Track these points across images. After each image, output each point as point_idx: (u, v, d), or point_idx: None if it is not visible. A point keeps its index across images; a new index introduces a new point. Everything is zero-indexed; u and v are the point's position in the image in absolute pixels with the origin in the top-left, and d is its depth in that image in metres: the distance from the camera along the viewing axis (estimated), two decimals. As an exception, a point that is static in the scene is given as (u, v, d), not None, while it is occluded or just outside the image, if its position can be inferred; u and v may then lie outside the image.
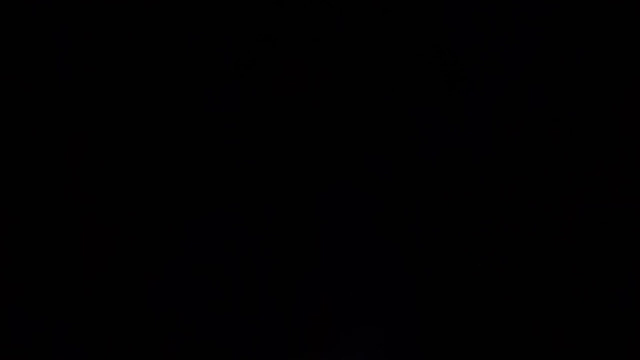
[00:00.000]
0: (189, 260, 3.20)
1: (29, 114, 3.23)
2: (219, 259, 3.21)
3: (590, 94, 3.25)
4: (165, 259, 3.20)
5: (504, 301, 3.18)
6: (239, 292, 3.19)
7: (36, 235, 3.18)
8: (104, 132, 3.25)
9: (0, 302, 3.13)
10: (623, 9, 3.24)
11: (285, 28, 3.29)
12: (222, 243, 3.21)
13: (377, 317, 3.19)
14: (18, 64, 3.23)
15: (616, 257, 3.17)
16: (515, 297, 3.18)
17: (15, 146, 3.21)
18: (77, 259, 3.18)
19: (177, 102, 3.27)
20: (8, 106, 3.22)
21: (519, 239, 3.20)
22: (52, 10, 3.24)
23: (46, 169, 3.21)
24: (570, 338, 3.13)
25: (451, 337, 3.18)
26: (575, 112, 3.25)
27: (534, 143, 3.25)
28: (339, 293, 3.20)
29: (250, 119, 3.28)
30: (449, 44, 3.29)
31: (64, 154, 3.23)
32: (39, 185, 3.20)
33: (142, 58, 3.27)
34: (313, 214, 3.24)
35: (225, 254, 3.21)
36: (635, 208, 3.18)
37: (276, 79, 3.29)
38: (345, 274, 3.21)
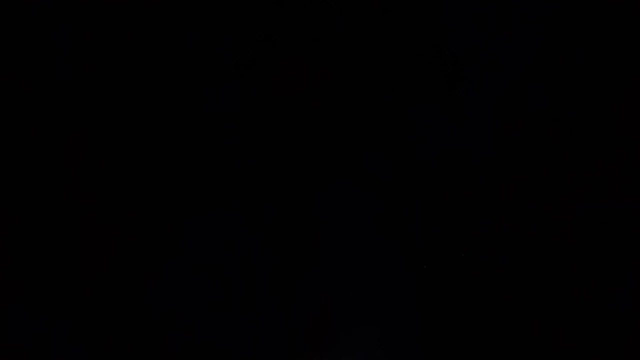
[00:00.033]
0: (189, 260, 3.20)
1: (29, 113, 3.23)
2: (219, 259, 3.21)
3: (590, 94, 3.25)
4: (165, 259, 3.20)
5: (504, 301, 3.18)
6: (239, 292, 3.19)
7: (36, 235, 3.18)
8: (104, 132, 3.25)
9: (0, 302, 3.13)
10: (623, 9, 3.24)
11: (285, 28, 3.29)
12: (222, 243, 3.21)
13: (377, 317, 3.19)
14: (18, 64, 3.23)
15: (616, 257, 3.17)
16: (515, 297, 3.18)
17: (16, 146, 3.21)
18: (77, 259, 3.18)
19: (177, 102, 3.27)
20: (8, 106, 3.22)
21: (519, 239, 3.20)
22: (52, 10, 3.24)
23: (46, 168, 3.21)
24: (570, 338, 3.13)
25: (451, 337, 3.18)
26: (575, 112, 3.25)
27: (534, 143, 3.25)
28: (339, 293, 3.20)
29: (250, 119, 3.28)
30: (449, 44, 3.29)
31: (64, 154, 3.23)
32: (39, 185, 3.20)
33: (142, 58, 3.27)
34: (313, 214, 3.24)
35: (225, 254, 3.21)
36: (635, 208, 3.18)
37: (276, 79, 3.29)
38: (345, 274, 3.21)
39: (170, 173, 3.25)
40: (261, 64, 3.28)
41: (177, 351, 3.15)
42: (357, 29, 3.29)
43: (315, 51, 3.29)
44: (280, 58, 3.29)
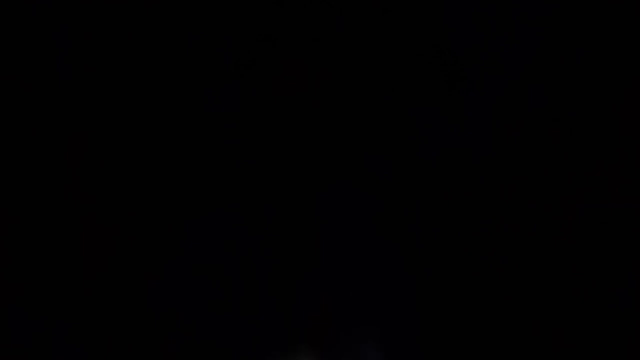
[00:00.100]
0: (189, 260, 3.20)
1: (29, 113, 3.23)
2: (219, 259, 3.21)
3: (590, 94, 3.25)
4: (165, 259, 3.20)
5: (504, 301, 3.18)
6: (239, 292, 3.19)
7: (36, 235, 3.18)
8: (104, 132, 3.25)
9: (0, 302, 3.13)
10: (623, 9, 3.24)
11: (285, 28, 3.29)
12: (222, 243, 3.21)
13: (377, 317, 3.19)
14: (18, 64, 3.23)
15: (616, 257, 3.17)
16: (515, 297, 3.18)
17: (16, 146, 3.21)
18: (77, 259, 3.18)
19: (177, 102, 3.27)
20: (8, 106, 3.22)
21: (519, 239, 3.20)
22: (52, 10, 3.24)
23: (46, 169, 3.21)
24: (570, 338, 3.13)
25: (451, 337, 3.18)
26: (575, 112, 3.25)
27: (534, 143, 3.25)
28: (339, 293, 3.20)
29: (250, 119, 3.28)
30: (449, 44, 3.29)
31: (64, 154, 3.23)
32: (39, 185, 3.20)
33: (142, 58, 3.27)
34: (313, 214, 3.24)
35: (225, 254, 3.21)
36: (635, 208, 3.18)
37: (276, 79, 3.29)
38: (345, 274, 3.21)
39: (170, 173, 3.25)
40: (261, 64, 3.28)
41: (177, 351, 3.15)
42: (357, 29, 3.29)
43: (315, 51, 3.29)
44: (280, 58, 3.29)
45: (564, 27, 3.27)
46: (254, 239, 3.22)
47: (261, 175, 3.26)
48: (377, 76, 3.29)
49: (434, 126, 3.27)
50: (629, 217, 3.17)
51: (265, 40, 3.28)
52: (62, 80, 3.24)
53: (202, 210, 3.23)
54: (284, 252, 3.22)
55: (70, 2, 3.24)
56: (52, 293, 3.15)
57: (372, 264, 3.22)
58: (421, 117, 3.28)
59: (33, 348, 3.11)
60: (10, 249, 3.16)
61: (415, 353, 3.18)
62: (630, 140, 3.21)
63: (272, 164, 3.26)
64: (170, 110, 3.27)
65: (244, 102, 3.28)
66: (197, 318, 3.16)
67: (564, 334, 3.14)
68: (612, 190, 3.20)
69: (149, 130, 3.26)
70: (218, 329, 3.16)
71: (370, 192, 3.26)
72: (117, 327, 3.14)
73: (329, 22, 3.29)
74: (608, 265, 3.17)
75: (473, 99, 3.27)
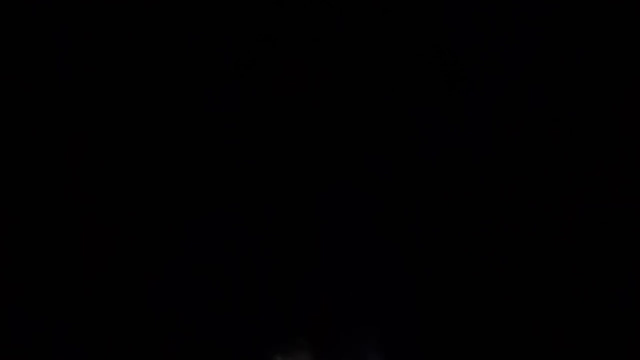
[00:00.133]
0: (189, 260, 3.20)
1: (29, 113, 3.23)
2: (219, 259, 3.21)
3: (590, 94, 3.25)
4: (165, 259, 3.20)
5: (504, 301, 3.18)
6: (239, 292, 3.19)
7: (36, 235, 3.18)
8: (104, 132, 3.25)
9: (0, 302, 3.13)
10: (623, 9, 3.24)
11: (285, 28, 3.29)
12: (222, 243, 3.21)
13: (377, 317, 3.19)
14: (18, 64, 3.23)
15: (616, 257, 3.17)
16: (515, 297, 3.18)
17: (16, 146, 3.21)
18: (77, 259, 3.18)
19: (177, 102, 3.27)
20: (8, 106, 3.22)
21: (519, 239, 3.20)
22: (52, 10, 3.24)
23: (46, 168, 3.21)
24: (570, 338, 3.13)
25: (451, 337, 3.18)
26: (575, 112, 3.25)
27: (534, 143, 3.25)
28: (339, 293, 3.20)
29: (250, 119, 3.28)
30: (449, 44, 3.29)
31: (64, 154, 3.23)
32: (39, 185, 3.20)
33: (142, 58, 3.27)
34: (313, 214, 3.24)
35: (225, 254, 3.21)
36: (635, 208, 3.18)
37: (276, 79, 3.29)
38: (345, 274, 3.21)
39: (170, 173, 3.25)
40: (261, 64, 3.28)
41: (177, 351, 3.15)
42: (357, 29, 3.29)
43: (315, 51, 3.29)
44: (280, 58, 3.29)
45: (564, 27, 3.27)
46: (254, 239, 3.22)
47: (261, 175, 3.26)
48: (377, 76, 3.29)
49: (434, 126, 3.27)
50: (629, 217, 3.17)
51: (265, 40, 3.28)
52: (62, 80, 3.24)
53: (202, 210, 3.23)
54: (284, 252, 3.22)
55: (70, 2, 3.24)
56: (52, 293, 3.15)
57: (372, 264, 3.22)
58: (421, 117, 3.28)
59: (33, 348, 3.11)
60: (11, 249, 3.16)
61: (415, 353, 3.18)
62: (630, 140, 3.21)
63: (272, 164, 3.26)
64: (170, 110, 3.27)
65: (244, 102, 3.28)
66: (197, 318, 3.16)
67: (564, 334, 3.14)
68: (612, 190, 3.20)
69: (149, 130, 3.26)
70: (218, 329, 3.16)
71: (370, 192, 3.26)
72: (117, 327, 3.14)
73: (329, 22, 3.29)
74: (608, 265, 3.17)
75: (473, 99, 3.27)
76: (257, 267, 3.21)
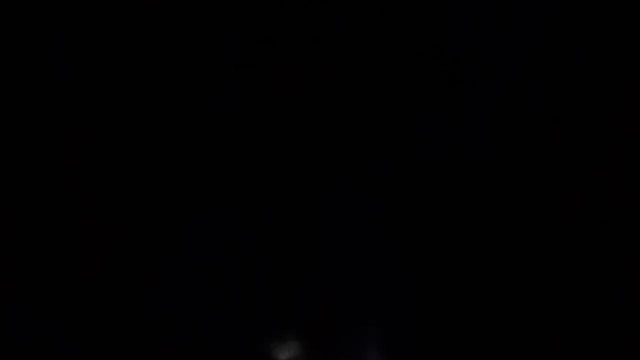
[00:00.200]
0: (189, 260, 3.20)
1: (29, 113, 3.23)
2: (219, 259, 3.21)
3: (590, 94, 3.25)
4: (165, 259, 3.20)
5: (504, 301, 3.18)
6: (239, 292, 3.19)
7: (36, 235, 3.18)
8: (104, 132, 3.25)
9: (0, 302, 3.13)
10: (623, 9, 3.24)
11: (285, 28, 3.29)
12: (222, 243, 3.21)
13: (377, 317, 3.19)
14: (18, 64, 3.23)
15: (616, 257, 3.17)
16: (516, 297, 3.18)
17: (16, 146, 3.21)
18: (77, 258, 3.18)
19: (177, 102, 3.27)
20: (8, 106, 3.22)
21: (519, 239, 3.20)
22: (52, 10, 3.24)
23: (46, 169, 3.21)
24: (570, 338, 3.13)
25: (451, 337, 3.18)
26: (575, 112, 3.25)
27: (534, 143, 3.25)
28: (339, 293, 3.20)
29: (250, 119, 3.28)
30: (449, 44, 3.29)
31: (64, 154, 3.23)
32: (39, 185, 3.20)
33: (142, 58, 3.27)
34: (313, 214, 3.24)
35: (225, 254, 3.21)
36: (635, 208, 3.18)
37: (276, 79, 3.29)
38: (345, 274, 3.21)
39: (170, 173, 3.25)
40: (261, 64, 3.28)
41: (177, 351, 3.15)
42: (357, 29, 3.29)
43: (315, 51, 3.29)
44: (280, 58, 3.29)
45: (564, 27, 3.27)
46: (254, 239, 3.22)
47: (261, 175, 3.26)
48: (377, 76, 3.29)
49: (434, 126, 3.27)
50: (629, 217, 3.17)
51: (265, 40, 3.28)
52: (62, 80, 3.24)
53: (202, 210, 3.23)
54: (284, 252, 3.22)
55: (70, 2, 3.24)
56: (52, 293, 3.15)
57: (372, 264, 3.22)
58: (421, 117, 3.28)
59: (33, 348, 3.11)
60: (11, 249, 3.16)
61: (415, 353, 3.18)
62: (630, 140, 3.21)
63: (272, 164, 3.26)
64: (170, 110, 3.27)
65: (244, 102, 3.28)
66: (197, 318, 3.16)
67: (564, 334, 3.14)
68: (612, 190, 3.20)
69: (149, 130, 3.26)
70: (218, 329, 3.16)
71: (370, 192, 3.26)
72: (117, 327, 3.14)
73: (329, 22, 3.29)
74: (608, 265, 3.17)
75: (473, 99, 3.27)
76: (257, 267, 3.21)
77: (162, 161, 3.25)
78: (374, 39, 3.30)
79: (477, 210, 3.24)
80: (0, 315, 3.12)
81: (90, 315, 3.14)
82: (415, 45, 3.29)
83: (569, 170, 3.23)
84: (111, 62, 3.26)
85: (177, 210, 3.23)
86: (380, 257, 3.23)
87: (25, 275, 3.16)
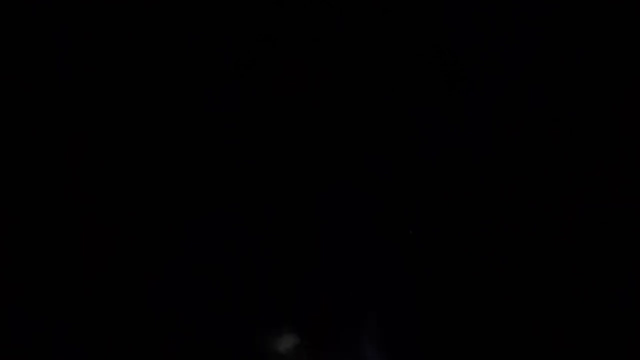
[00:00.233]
0: (189, 260, 3.20)
1: (29, 113, 3.23)
2: (219, 259, 3.21)
3: (590, 94, 3.25)
4: (165, 259, 3.20)
5: (504, 301, 3.18)
6: (239, 292, 3.19)
7: (36, 235, 3.18)
8: (104, 132, 3.25)
9: (0, 302, 3.13)
10: (623, 9, 3.24)
11: (285, 28, 3.29)
12: (222, 243, 3.21)
13: (377, 317, 3.19)
14: (18, 64, 3.23)
15: (616, 257, 3.17)
16: (515, 296, 3.18)
17: (16, 146, 3.21)
18: (77, 259, 3.18)
19: (177, 102, 3.27)
20: (8, 106, 3.22)
21: (519, 239, 3.20)
22: (52, 10, 3.24)
23: (46, 168, 3.21)
24: (570, 338, 3.13)
25: (451, 337, 3.18)
26: (575, 112, 3.25)
27: (534, 143, 3.25)
28: (339, 293, 3.20)
29: (250, 119, 3.28)
30: (449, 44, 3.29)
31: (64, 154, 3.23)
32: (39, 185, 3.20)
33: (142, 58, 3.27)
34: (313, 214, 3.24)
35: (225, 254, 3.21)
36: (636, 208, 3.18)
37: (276, 79, 3.29)
38: (345, 274, 3.21)
39: (170, 173, 3.25)
40: (261, 64, 3.28)
41: (177, 351, 3.15)
42: (357, 29, 3.29)
43: (315, 51, 3.29)
44: (280, 58, 3.29)
45: (564, 27, 3.27)
46: (254, 239, 3.22)
47: (261, 175, 3.26)
48: (377, 76, 3.29)
49: (434, 126, 3.27)
50: (629, 217, 3.17)
51: (265, 40, 3.28)
52: (62, 80, 3.24)
53: (202, 210, 3.23)
54: (284, 252, 3.22)
55: (70, 2, 3.24)
56: (52, 293, 3.15)
57: (372, 264, 3.22)
58: (421, 117, 3.28)
59: (33, 348, 3.11)
60: (11, 249, 3.16)
61: (415, 353, 3.18)
62: (630, 140, 3.21)
63: (272, 163, 3.26)
64: (170, 110, 3.27)
65: (244, 102, 3.28)
66: (197, 318, 3.16)
67: (564, 334, 3.14)
68: (612, 190, 3.20)
69: (149, 130, 3.26)
70: (218, 329, 3.16)
71: (370, 192, 3.26)
72: (117, 327, 3.14)
73: (329, 22, 3.29)
74: (608, 265, 3.17)
75: (473, 99, 3.27)
76: (257, 267, 3.21)
77: (162, 161, 3.25)
78: (374, 39, 3.30)
79: (477, 210, 3.23)
80: (0, 315, 3.12)
81: (90, 315, 3.14)
82: (415, 45, 3.29)
83: (568, 170, 3.23)
84: (111, 62, 3.26)
85: (177, 210, 3.23)
86: (380, 257, 3.23)
87: (25, 275, 3.16)
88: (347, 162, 3.27)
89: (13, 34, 3.24)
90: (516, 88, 3.27)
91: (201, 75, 3.28)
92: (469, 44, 3.28)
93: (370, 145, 3.28)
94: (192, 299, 3.17)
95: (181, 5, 3.28)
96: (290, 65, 3.29)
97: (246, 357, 3.16)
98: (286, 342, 3.16)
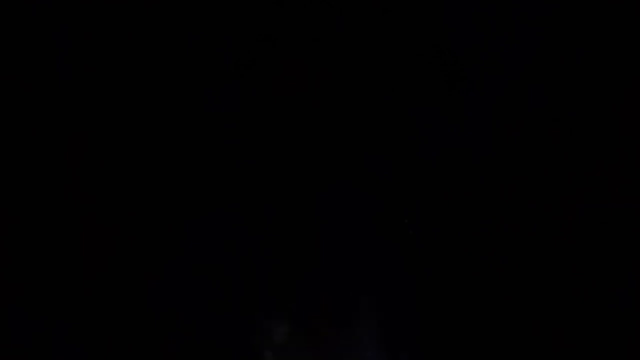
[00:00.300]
0: (189, 260, 3.20)
1: (29, 113, 3.23)
2: (219, 259, 3.21)
3: (590, 94, 3.25)
4: (165, 259, 3.20)
5: (504, 301, 3.18)
6: (239, 292, 3.19)
7: (36, 235, 3.18)
8: (104, 132, 3.25)
9: (0, 302, 3.13)
10: (623, 9, 3.24)
11: (285, 28, 3.29)
12: (222, 243, 3.21)
13: (377, 317, 3.19)
14: (18, 64, 3.23)
15: (616, 257, 3.17)
16: (515, 296, 3.18)
17: (16, 146, 3.21)
18: (77, 259, 3.18)
19: (177, 102, 3.27)
20: (8, 106, 3.22)
21: (519, 239, 3.20)
22: (52, 10, 3.24)
23: (46, 168, 3.21)
24: (570, 338, 3.13)
25: (451, 337, 3.18)
26: (575, 112, 3.25)
27: (534, 143, 3.25)
28: (339, 293, 3.20)
29: (250, 119, 3.28)
30: (449, 44, 3.29)
31: (64, 154, 3.23)
32: (39, 185, 3.20)
33: (142, 58, 3.27)
34: (313, 214, 3.24)
35: (225, 254, 3.21)
36: (636, 208, 3.18)
37: (276, 79, 3.29)
38: (345, 273, 3.21)
39: (170, 173, 3.25)
40: (261, 64, 3.28)
41: (177, 351, 3.15)
42: (357, 29, 3.29)
43: (315, 51, 3.29)
44: (280, 58, 3.29)
45: (564, 27, 3.27)
46: (254, 239, 3.22)
47: (261, 175, 3.26)
48: (377, 76, 3.29)
49: (434, 126, 3.27)
50: (629, 217, 3.17)
51: (265, 40, 3.28)
52: (62, 80, 3.24)
53: (202, 210, 3.23)
54: (284, 252, 3.22)
55: (70, 2, 3.24)
56: (52, 293, 3.15)
57: (372, 263, 3.22)
58: (421, 117, 3.28)
59: (33, 348, 3.11)
60: (11, 249, 3.16)
61: (415, 353, 3.18)
62: (630, 140, 3.21)
63: (272, 163, 3.26)
64: (170, 110, 3.27)
65: (244, 102, 3.28)
66: (197, 318, 3.17)
67: (564, 334, 3.14)
68: (612, 190, 3.20)
69: (149, 130, 3.26)
70: (218, 329, 3.16)
71: (370, 192, 3.26)
72: (117, 327, 3.14)
73: (329, 22, 3.29)
74: (608, 265, 3.17)
75: (473, 99, 3.27)
76: (257, 267, 3.21)
77: (162, 161, 3.25)
78: (374, 39, 3.30)
79: (476, 209, 3.24)
80: (0, 315, 3.12)
81: (90, 315, 3.14)
82: (415, 45, 3.29)
83: (568, 170, 3.23)
84: (111, 62, 3.26)
85: (177, 211, 3.23)
86: (380, 257, 3.23)
87: (25, 275, 3.16)
88: (347, 162, 3.27)
89: (13, 34, 3.24)
90: (516, 88, 3.27)
91: (201, 75, 3.28)
92: (469, 44, 3.28)
93: (370, 145, 3.28)
94: (192, 299, 3.18)
95: (181, 5, 3.28)
96: (290, 65, 3.29)
97: (246, 358, 3.16)
98: (286, 342, 3.16)
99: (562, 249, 3.19)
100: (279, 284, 3.20)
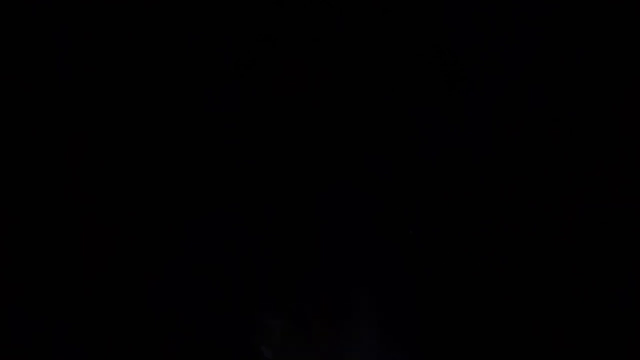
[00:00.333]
0: (189, 260, 3.20)
1: (29, 113, 3.23)
2: (219, 259, 3.21)
3: (590, 94, 3.25)
4: (165, 259, 3.20)
5: (504, 301, 3.18)
6: (239, 292, 3.19)
7: (36, 235, 3.18)
8: (104, 132, 3.25)
9: (0, 302, 3.13)
10: (623, 9, 3.24)
11: (285, 28, 3.29)
12: (222, 243, 3.21)
13: (377, 317, 3.19)
14: (18, 64, 3.23)
15: (616, 257, 3.17)
16: (516, 296, 3.18)
17: (16, 146, 3.21)
18: (77, 259, 3.18)
19: (177, 102, 3.27)
20: (8, 106, 3.22)
21: (519, 239, 3.20)
22: (52, 10, 3.24)
23: (46, 168, 3.21)
24: (570, 338, 3.13)
25: (451, 337, 3.18)
26: (575, 112, 3.25)
27: (534, 143, 3.25)
28: (339, 293, 3.20)
29: (250, 119, 3.28)
30: (449, 44, 3.29)
31: (64, 154, 3.23)
32: (39, 185, 3.20)
33: (142, 58, 3.27)
34: (313, 214, 3.24)
35: (225, 254, 3.21)
36: (636, 208, 3.18)
37: (276, 79, 3.29)
38: (345, 273, 3.21)
39: (170, 173, 3.25)
40: (261, 64, 3.28)
41: (177, 351, 3.16)
42: (357, 29, 3.29)
43: (315, 51, 3.29)
44: (280, 58, 3.29)
45: (564, 27, 3.27)
46: (254, 239, 3.22)
47: (261, 175, 3.26)
48: (377, 76, 3.29)
49: (434, 126, 3.27)
50: (629, 217, 3.17)
51: (265, 40, 3.28)
52: (62, 80, 3.24)
53: (202, 210, 3.23)
54: (284, 252, 3.22)
55: (70, 2, 3.24)
56: (52, 293, 3.15)
57: (372, 264, 3.22)
58: (421, 117, 3.28)
59: (33, 348, 3.11)
60: (11, 249, 3.16)
61: (415, 353, 3.18)
62: (630, 140, 3.21)
63: (272, 163, 3.27)
64: (170, 110, 3.27)
65: (244, 102, 3.28)
66: (197, 318, 3.17)
67: (564, 334, 3.14)
68: (612, 190, 3.20)
69: (149, 130, 3.26)
70: (218, 329, 3.16)
71: (370, 192, 3.26)
72: (117, 327, 3.14)
73: (329, 22, 3.29)
74: (608, 265, 3.17)
75: (473, 99, 3.27)
76: (257, 267, 3.21)
77: (162, 161, 3.25)
78: (374, 39, 3.30)
79: (477, 210, 3.24)
80: (1, 315, 3.12)
81: (90, 315, 3.14)
82: (415, 46, 3.29)
83: (568, 170, 3.23)
84: (111, 63, 3.27)
85: (177, 211, 3.23)
86: (380, 257, 3.23)
87: (25, 275, 3.16)
88: (347, 162, 3.27)
89: (13, 34, 3.24)
90: (516, 88, 3.27)
91: (201, 75, 3.28)
92: (469, 44, 3.28)
93: (370, 145, 3.28)
94: (192, 299, 3.18)
95: (181, 5, 3.28)
96: (290, 65, 3.29)
97: (246, 358, 3.16)
98: (285, 342, 3.16)
99: (562, 249, 3.19)
100: (279, 283, 3.21)
